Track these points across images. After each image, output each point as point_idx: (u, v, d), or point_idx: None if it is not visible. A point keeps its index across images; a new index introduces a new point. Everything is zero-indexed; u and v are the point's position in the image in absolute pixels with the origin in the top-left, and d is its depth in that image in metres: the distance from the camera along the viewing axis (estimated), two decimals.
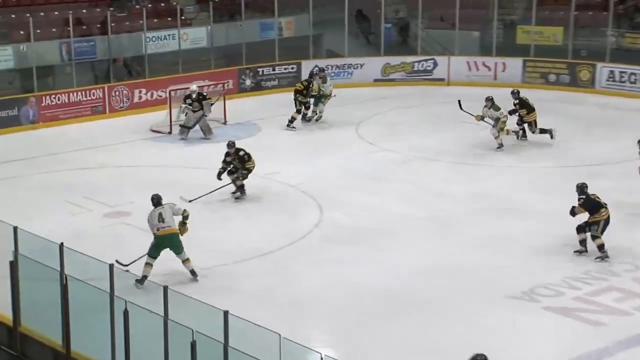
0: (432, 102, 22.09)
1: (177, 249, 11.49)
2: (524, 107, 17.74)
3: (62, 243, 9.15)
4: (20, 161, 17.14)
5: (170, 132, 19.05)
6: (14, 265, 9.62)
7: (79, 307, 9.18)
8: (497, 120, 17.46)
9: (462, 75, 23.79)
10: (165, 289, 8.17)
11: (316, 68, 22.07)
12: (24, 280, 9.64)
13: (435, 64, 24.02)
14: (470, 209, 14.36)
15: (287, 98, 21.24)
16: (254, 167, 14.75)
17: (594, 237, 12.23)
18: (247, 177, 14.78)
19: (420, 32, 24.45)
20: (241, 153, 14.77)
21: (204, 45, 22.59)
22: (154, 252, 11.38)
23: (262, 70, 23.07)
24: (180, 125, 18.74)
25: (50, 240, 9.44)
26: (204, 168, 16.41)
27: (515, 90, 17.99)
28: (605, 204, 12.29)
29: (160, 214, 11.45)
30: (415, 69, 24.04)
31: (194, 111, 18.58)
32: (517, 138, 17.83)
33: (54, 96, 19.99)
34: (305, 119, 19.66)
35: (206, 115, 18.67)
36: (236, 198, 14.76)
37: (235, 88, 22.33)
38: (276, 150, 17.87)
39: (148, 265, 11.33)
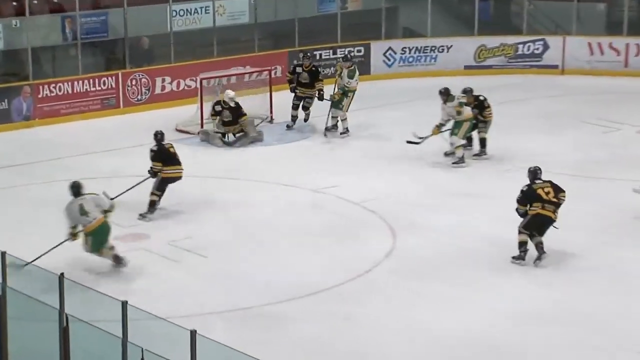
0: (541, 95, 21.98)
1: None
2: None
3: (62, 274, 9.25)
4: (11, 168, 17.49)
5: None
6: (1, 301, 9.77)
7: (83, 356, 9.31)
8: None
9: (582, 61, 23.63)
10: (193, 334, 8.27)
11: (345, 51, 21.97)
12: (13, 321, 9.78)
13: (546, 47, 23.88)
14: (592, 235, 14.26)
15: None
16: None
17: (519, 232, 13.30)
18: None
19: (527, 5, 24.34)
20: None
21: (245, 21, 22.79)
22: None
23: (320, 54, 23.19)
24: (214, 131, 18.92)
25: (48, 270, 9.57)
26: (245, 179, 16.57)
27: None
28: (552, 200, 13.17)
29: (81, 206, 12.72)
30: (520, 52, 23.94)
31: (226, 123, 18.66)
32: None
33: (54, 86, 20.34)
34: (326, 132, 19.12)
35: (247, 136, 18.78)
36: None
37: (285, 76, 22.46)
38: (335, 157, 17.94)
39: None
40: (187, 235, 14.29)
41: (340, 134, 19.27)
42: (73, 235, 12.96)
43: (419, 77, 23.18)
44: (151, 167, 15.13)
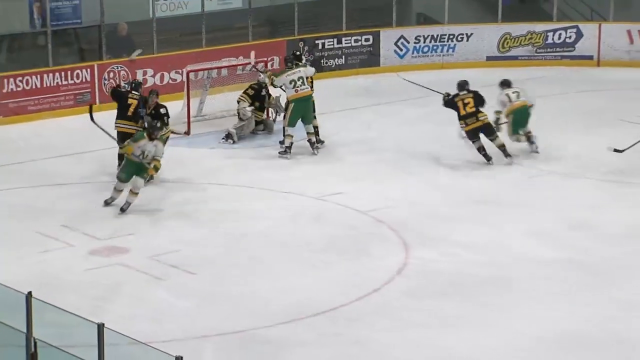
0: (574, 90, 22.00)
1: None
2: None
3: (29, 292, 9.28)
4: None
5: (188, 133, 19.27)
6: None
7: None
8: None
9: (621, 52, 23.68)
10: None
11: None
12: None
13: (580, 35, 23.93)
14: (630, 249, 14.25)
15: (357, 84, 21.37)
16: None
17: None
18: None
19: None
20: (162, 110, 16.95)
21: (238, 5, 22.87)
22: None
23: (323, 43, 23.26)
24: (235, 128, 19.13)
25: (14, 289, 9.58)
26: (240, 185, 16.58)
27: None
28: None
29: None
30: (550, 41, 23.99)
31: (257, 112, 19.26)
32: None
33: (20, 79, 20.39)
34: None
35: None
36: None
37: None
38: (341, 160, 17.95)
39: None
40: (172, 248, 14.28)
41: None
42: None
43: (435, 70, 23.22)
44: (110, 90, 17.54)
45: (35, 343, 9.21)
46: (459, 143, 18.01)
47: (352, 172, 17.37)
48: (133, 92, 17.10)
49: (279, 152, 18.06)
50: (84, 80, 20.89)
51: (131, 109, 16.88)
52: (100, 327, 8.80)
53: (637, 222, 15.21)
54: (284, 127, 18.33)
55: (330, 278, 13.54)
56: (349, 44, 23.24)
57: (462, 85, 17.61)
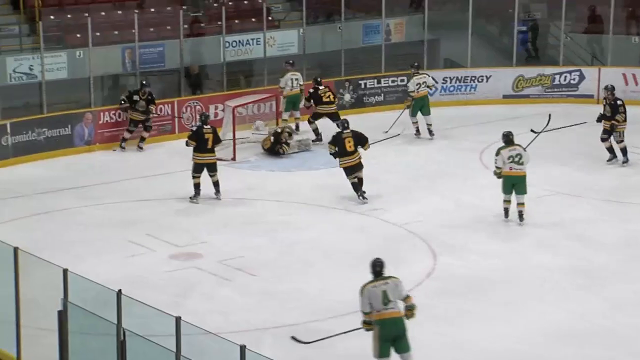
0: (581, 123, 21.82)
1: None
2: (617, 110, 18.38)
3: (119, 290, 9.34)
4: (72, 190, 17.62)
5: (234, 159, 19.33)
6: (62, 316, 9.85)
7: None
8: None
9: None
10: (243, 349, 8.29)
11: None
12: (74, 335, 9.86)
13: (582, 77, 23.75)
14: (622, 257, 14.19)
15: (393, 117, 21.35)
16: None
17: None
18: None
19: (563, 37, 24.24)
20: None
21: (294, 51, 22.90)
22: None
23: (365, 83, 23.24)
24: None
25: (106, 287, 9.66)
26: (292, 202, 16.63)
27: (610, 86, 18.66)
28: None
29: (384, 292, 10.68)
30: (556, 82, 23.82)
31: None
32: None
33: (113, 113, 20.53)
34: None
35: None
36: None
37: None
38: (378, 181, 17.93)
39: None
40: (237, 254, 14.34)
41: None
42: (367, 327, 10.81)
43: (459, 106, 23.12)
44: (186, 141, 16.94)
45: (124, 333, 9.26)
46: (479, 168, 17.97)
47: (389, 191, 17.33)
48: (205, 126, 16.97)
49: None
50: (166, 114, 20.99)
51: (210, 143, 16.83)
52: (178, 319, 8.83)
53: (629, 234, 15.13)
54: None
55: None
56: (387, 84, 23.21)
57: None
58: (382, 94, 23.36)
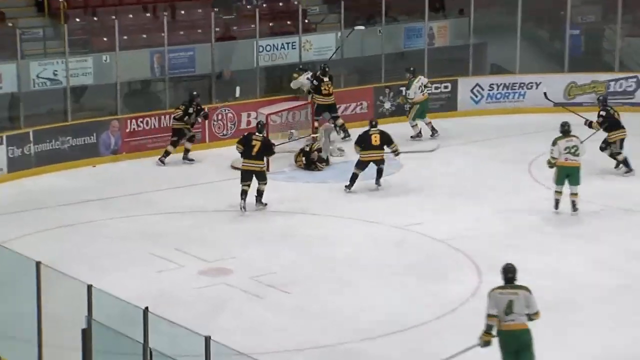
0: (634, 133, 21.67)
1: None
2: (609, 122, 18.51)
3: (146, 307, 9.39)
4: (97, 202, 17.77)
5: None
6: (86, 334, 9.91)
7: None
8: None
9: None
10: None
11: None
12: (98, 354, 9.91)
13: (639, 84, 23.62)
14: None
15: (437, 126, 21.34)
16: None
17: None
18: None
19: (619, 41, 24.13)
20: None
21: (329, 55, 22.92)
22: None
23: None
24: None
25: (132, 304, 9.73)
26: (327, 215, 16.66)
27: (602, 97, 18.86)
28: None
29: (510, 302, 10.72)
30: (611, 89, 23.69)
31: None
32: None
33: (141, 120, 20.67)
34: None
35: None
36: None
37: (371, 111, 22.55)
38: (419, 193, 17.94)
39: None
40: (270, 270, 14.39)
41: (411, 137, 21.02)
42: (487, 339, 10.86)
43: (506, 115, 23.06)
44: (236, 145, 17.33)
45: (150, 353, 9.29)
46: (527, 180, 17.93)
47: (431, 204, 17.32)
48: (257, 133, 17.27)
49: None
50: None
51: (255, 149, 16.97)
52: (207, 339, 8.86)
53: None
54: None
55: (410, 298, 13.51)
56: (430, 91, 23.19)
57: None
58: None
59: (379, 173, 18.13)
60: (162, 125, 20.73)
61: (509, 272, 10.94)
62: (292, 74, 21.79)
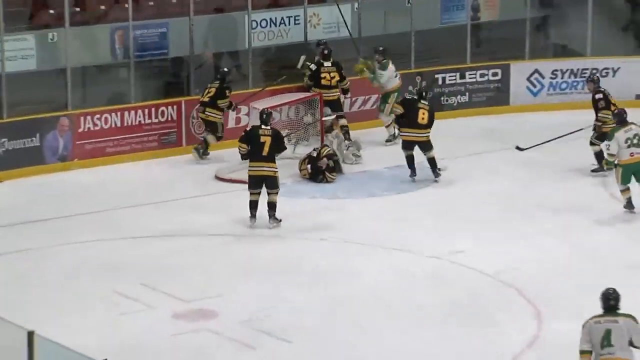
0: None
1: None
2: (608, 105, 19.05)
3: None
4: (43, 223, 17.83)
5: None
6: None
7: None
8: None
9: None
10: None
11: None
12: None
13: None
14: None
15: (482, 125, 21.39)
16: None
17: None
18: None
19: None
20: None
21: (345, 34, 23.01)
22: None
23: (444, 78, 23.34)
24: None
25: (87, 357, 9.79)
26: (343, 240, 16.73)
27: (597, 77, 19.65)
28: None
29: (608, 332, 11.05)
30: None
31: None
32: None
33: (98, 117, 20.72)
34: None
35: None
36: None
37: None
38: (461, 213, 17.98)
39: None
40: (266, 312, 14.44)
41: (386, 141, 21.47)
42: None
43: (574, 110, 23.05)
44: (238, 146, 17.25)
45: None
46: (602, 198, 18.03)
47: (474, 227, 17.36)
48: (263, 126, 17.13)
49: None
50: (169, 118, 21.10)
51: (266, 149, 16.87)
52: None
53: None
54: None
55: (448, 352, 13.53)
56: (474, 79, 23.27)
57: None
58: (467, 93, 23.41)
59: (432, 164, 18.64)
60: (125, 124, 20.81)
61: (610, 299, 11.11)
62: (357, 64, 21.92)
